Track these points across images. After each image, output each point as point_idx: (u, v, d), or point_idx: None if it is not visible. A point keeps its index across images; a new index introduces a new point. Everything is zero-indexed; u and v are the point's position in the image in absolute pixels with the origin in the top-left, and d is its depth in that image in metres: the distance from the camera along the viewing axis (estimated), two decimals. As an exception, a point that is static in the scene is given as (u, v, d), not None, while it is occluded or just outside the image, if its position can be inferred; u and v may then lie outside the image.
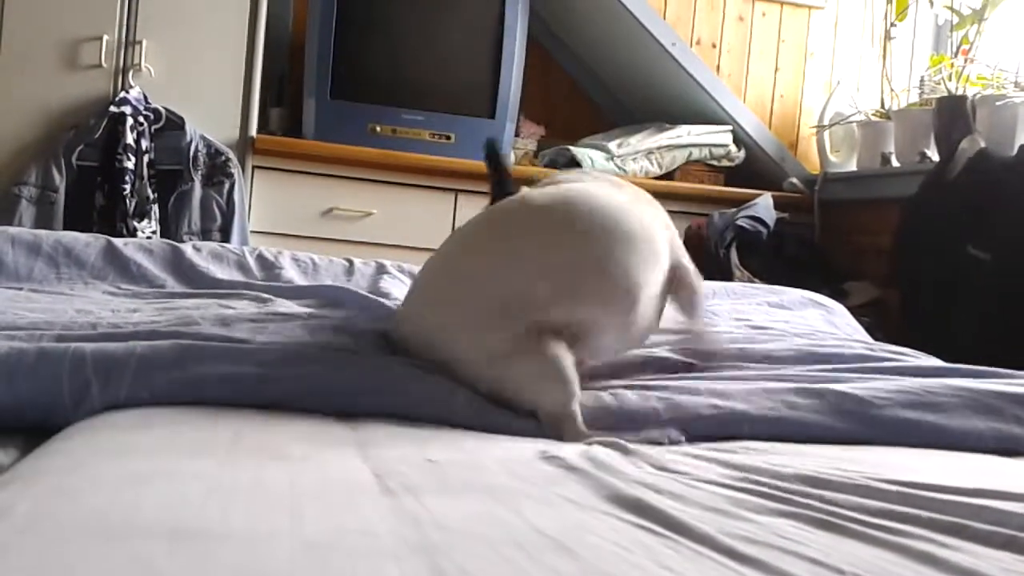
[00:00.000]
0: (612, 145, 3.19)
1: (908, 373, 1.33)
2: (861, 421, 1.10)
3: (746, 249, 2.96)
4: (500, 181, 1.30)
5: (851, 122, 3.26)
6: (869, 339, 1.96)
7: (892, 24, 3.21)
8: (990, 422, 1.11)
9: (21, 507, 0.63)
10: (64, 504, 0.64)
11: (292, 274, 2.00)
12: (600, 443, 0.94)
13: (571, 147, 3.21)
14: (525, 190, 1.29)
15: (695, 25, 3.49)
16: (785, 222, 3.14)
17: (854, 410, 1.11)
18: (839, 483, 0.81)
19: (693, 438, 1.05)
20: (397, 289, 2.00)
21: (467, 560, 0.57)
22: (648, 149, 3.25)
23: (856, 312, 2.24)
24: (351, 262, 2.12)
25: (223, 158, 2.87)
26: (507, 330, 1.06)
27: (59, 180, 2.75)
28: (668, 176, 3.31)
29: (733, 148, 3.35)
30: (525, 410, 1.07)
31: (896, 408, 1.12)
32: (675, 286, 1.27)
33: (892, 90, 3.14)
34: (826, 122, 3.33)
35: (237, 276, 1.95)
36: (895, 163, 3.01)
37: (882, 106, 3.18)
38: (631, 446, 0.93)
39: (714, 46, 3.51)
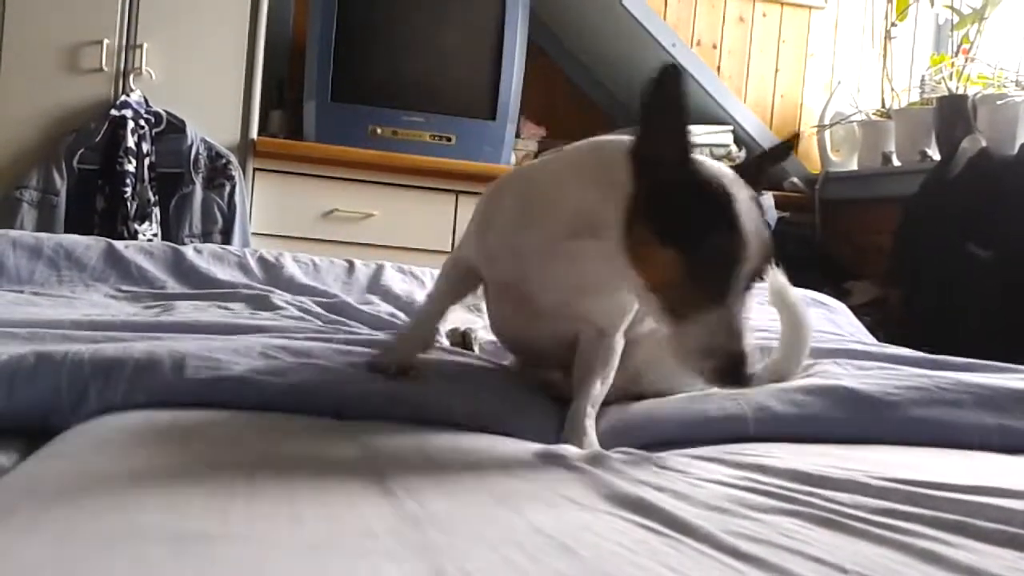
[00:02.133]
0: (613, 145, 3.19)
1: (919, 365, 1.33)
2: (870, 418, 1.10)
3: (747, 248, 2.95)
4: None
5: (852, 122, 3.26)
6: (871, 338, 1.96)
7: (893, 24, 3.21)
8: (998, 418, 1.11)
9: (22, 509, 0.63)
10: (65, 506, 0.64)
11: (293, 275, 2.01)
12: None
13: (572, 148, 3.21)
14: None
15: (695, 26, 3.49)
16: (786, 221, 3.13)
17: (862, 407, 1.11)
18: (842, 481, 0.81)
19: (698, 439, 1.05)
20: (397, 286, 2.01)
21: (467, 561, 0.57)
22: (649, 149, 3.24)
23: (858, 311, 2.24)
24: (352, 263, 2.13)
25: (224, 161, 2.87)
26: None
27: (60, 183, 2.75)
28: (669, 176, 3.30)
29: (734, 148, 3.35)
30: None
31: (906, 404, 1.11)
32: None
33: (893, 89, 3.14)
34: (827, 122, 3.33)
35: (238, 277, 1.96)
36: (896, 162, 3.01)
37: (883, 105, 3.17)
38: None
39: (715, 47, 3.51)
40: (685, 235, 0.91)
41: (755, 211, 0.93)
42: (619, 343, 1.16)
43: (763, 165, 1.05)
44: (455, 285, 1.24)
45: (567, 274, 1.06)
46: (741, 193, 0.93)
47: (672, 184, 0.94)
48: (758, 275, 0.93)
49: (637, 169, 0.96)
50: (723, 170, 0.97)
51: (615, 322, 1.15)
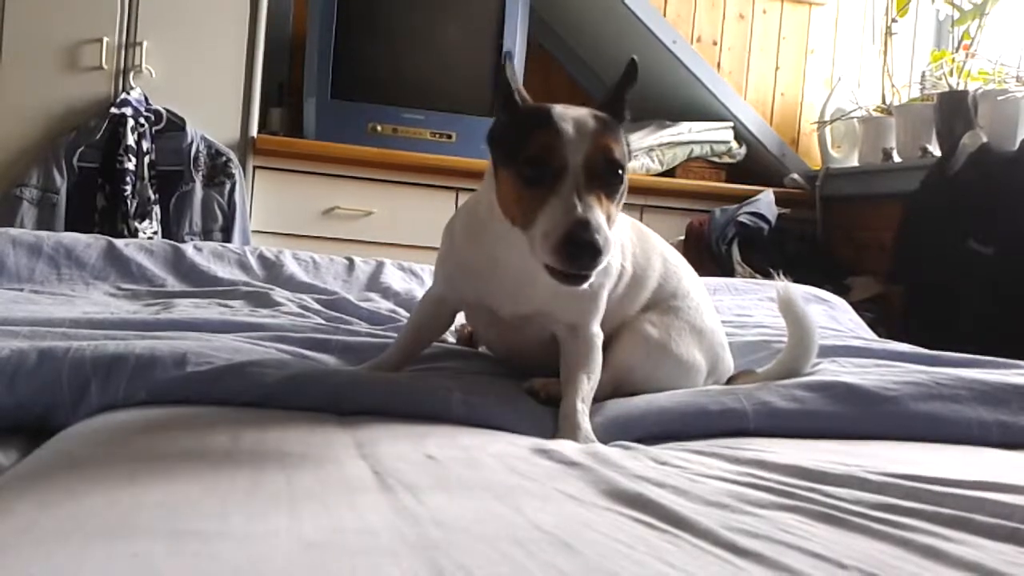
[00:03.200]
0: (613, 143, 3.18)
1: (919, 361, 1.32)
2: (869, 413, 1.10)
3: (748, 245, 2.95)
4: None
5: (852, 118, 3.26)
6: (871, 334, 1.96)
7: (893, 20, 3.21)
8: (998, 414, 1.11)
9: (21, 507, 0.63)
10: (64, 504, 0.64)
11: (294, 273, 2.01)
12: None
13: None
14: None
15: (696, 23, 3.48)
16: (787, 218, 3.13)
17: (861, 402, 1.11)
18: (841, 477, 0.81)
19: (696, 433, 1.05)
20: (397, 284, 2.01)
21: (466, 557, 0.57)
22: (649, 146, 3.24)
23: (858, 307, 2.24)
24: (351, 261, 2.13)
25: (224, 158, 2.87)
26: None
27: (60, 182, 2.75)
28: (670, 173, 3.30)
29: (734, 144, 3.35)
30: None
31: (904, 400, 1.11)
32: None
33: (893, 86, 3.14)
34: (827, 118, 3.32)
35: (238, 275, 1.95)
36: (896, 158, 3.00)
37: (883, 102, 3.17)
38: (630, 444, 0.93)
39: (715, 43, 3.51)
40: (513, 151, 1.03)
41: (578, 119, 1.03)
42: (597, 336, 1.17)
43: (618, 94, 1.13)
44: (428, 320, 1.30)
45: (507, 278, 1.12)
46: (560, 108, 1.05)
47: (504, 126, 1.09)
48: (591, 167, 1.00)
49: (491, 144, 1.11)
50: (552, 104, 1.08)
51: (584, 317, 1.17)
